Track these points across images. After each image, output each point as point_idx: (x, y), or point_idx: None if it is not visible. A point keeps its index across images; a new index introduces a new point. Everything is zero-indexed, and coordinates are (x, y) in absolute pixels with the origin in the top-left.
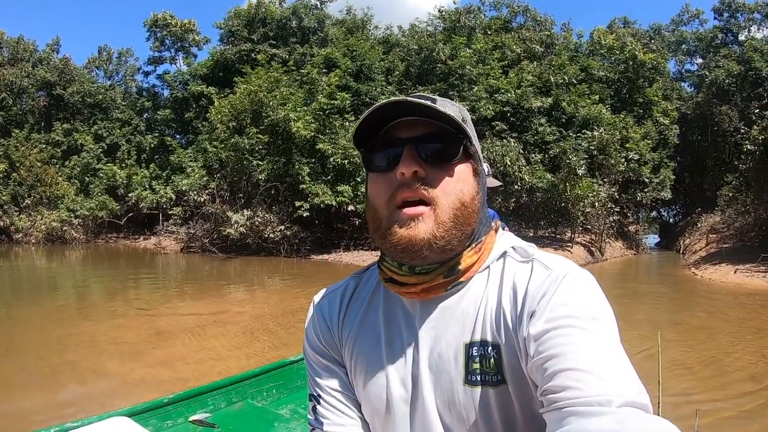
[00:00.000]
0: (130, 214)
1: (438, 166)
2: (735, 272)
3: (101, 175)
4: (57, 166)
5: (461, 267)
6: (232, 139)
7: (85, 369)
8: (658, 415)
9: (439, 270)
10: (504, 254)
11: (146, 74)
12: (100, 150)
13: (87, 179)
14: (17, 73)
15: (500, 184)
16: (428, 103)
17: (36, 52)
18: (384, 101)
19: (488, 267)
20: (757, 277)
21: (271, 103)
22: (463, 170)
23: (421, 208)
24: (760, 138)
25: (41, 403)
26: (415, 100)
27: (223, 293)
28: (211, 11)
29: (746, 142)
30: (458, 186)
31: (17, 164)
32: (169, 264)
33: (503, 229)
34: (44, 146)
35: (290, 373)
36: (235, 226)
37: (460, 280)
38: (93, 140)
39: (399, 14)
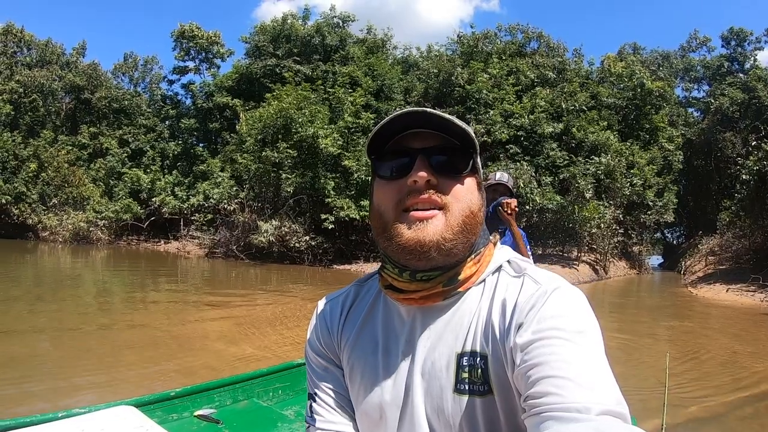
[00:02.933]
0: (152, 218)
1: (449, 176)
2: (727, 291)
3: (126, 179)
4: (83, 168)
5: (461, 277)
6: (263, 152)
7: (199, 349)
8: (662, 427)
9: (439, 278)
10: (499, 268)
11: (170, 82)
12: (125, 154)
13: (111, 182)
14: (47, 75)
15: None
16: (447, 115)
17: (63, 56)
18: (407, 110)
19: (484, 281)
20: (745, 296)
21: (300, 119)
22: (470, 183)
23: (432, 212)
24: (754, 168)
25: (200, 365)
26: (437, 112)
27: (276, 293)
28: (233, 24)
29: (743, 171)
30: (467, 195)
31: (46, 164)
32: (205, 268)
33: (530, 248)
34: (71, 148)
35: (297, 376)
36: (265, 234)
37: (458, 290)
38: (118, 144)
39: (412, 25)
